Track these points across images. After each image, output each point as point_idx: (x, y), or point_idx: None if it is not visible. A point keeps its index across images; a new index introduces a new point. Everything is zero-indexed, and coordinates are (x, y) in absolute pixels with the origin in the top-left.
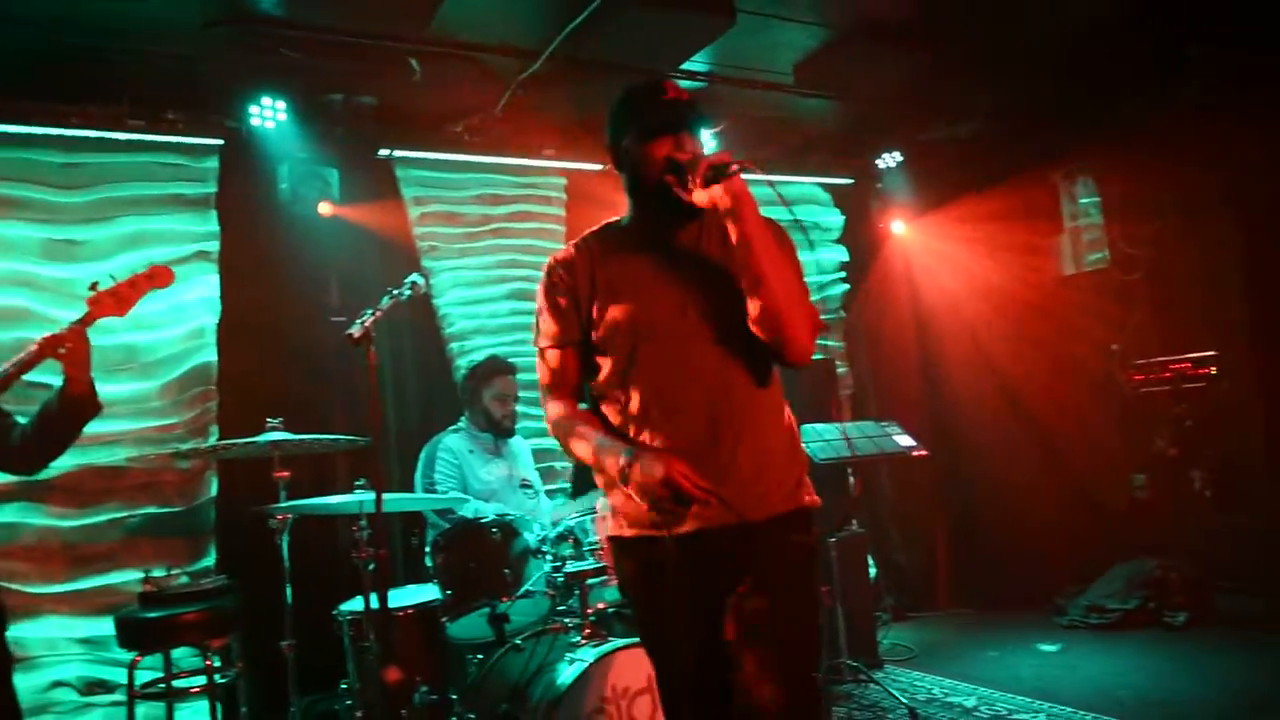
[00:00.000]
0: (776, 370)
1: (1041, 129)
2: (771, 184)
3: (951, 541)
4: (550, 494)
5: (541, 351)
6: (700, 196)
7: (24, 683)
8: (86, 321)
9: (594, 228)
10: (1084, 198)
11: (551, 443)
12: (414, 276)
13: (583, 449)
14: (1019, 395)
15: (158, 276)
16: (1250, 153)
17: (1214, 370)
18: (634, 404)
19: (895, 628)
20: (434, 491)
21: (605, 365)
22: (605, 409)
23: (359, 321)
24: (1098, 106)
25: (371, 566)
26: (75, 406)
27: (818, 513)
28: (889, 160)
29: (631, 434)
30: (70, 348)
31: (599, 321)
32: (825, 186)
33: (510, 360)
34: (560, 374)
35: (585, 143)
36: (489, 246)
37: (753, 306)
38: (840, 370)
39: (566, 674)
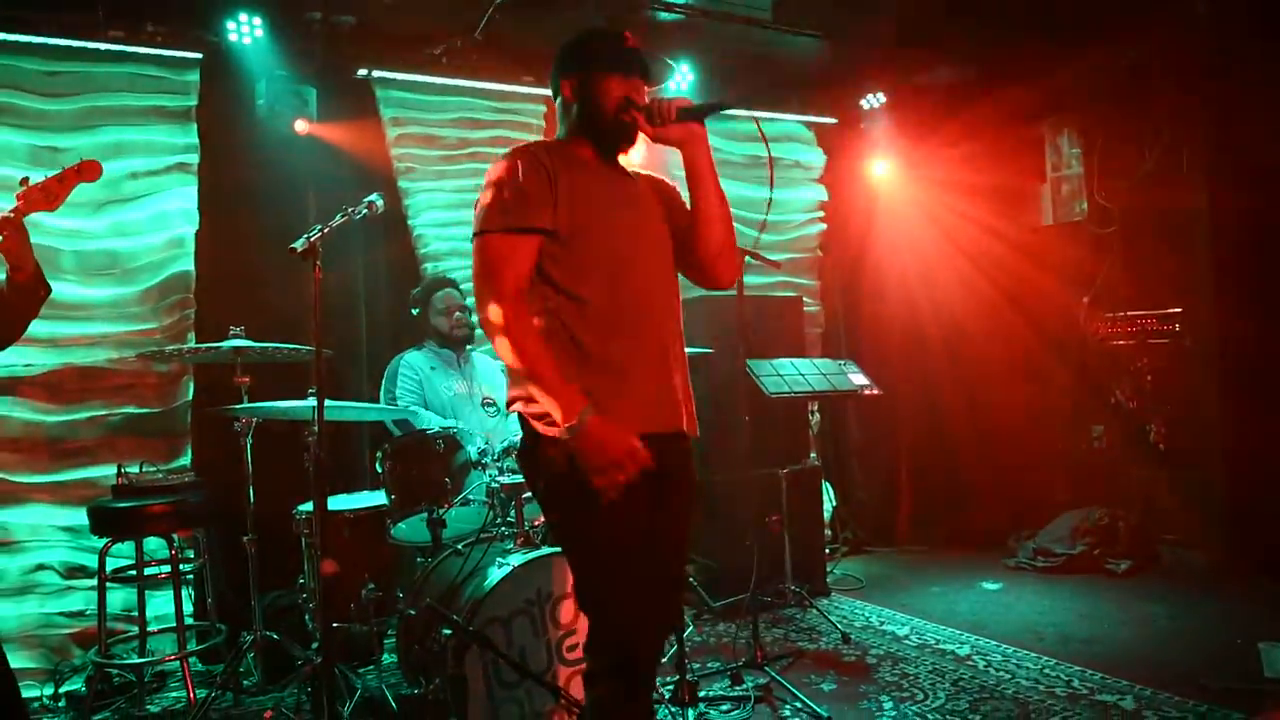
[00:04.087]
0: None
1: (1027, 77)
2: (755, 120)
3: (914, 481)
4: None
5: (504, 234)
6: (661, 134)
7: (11, 564)
8: (18, 214)
9: (539, 140)
10: (1067, 148)
11: None
12: (373, 196)
13: (529, 364)
14: (991, 342)
15: (86, 171)
16: (1224, 114)
17: (1177, 327)
18: (598, 320)
19: (850, 560)
20: (394, 405)
21: (567, 272)
22: (562, 318)
23: (305, 236)
24: (1089, 55)
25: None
26: (23, 292)
27: None
28: (873, 101)
29: (593, 351)
30: (5, 237)
31: (569, 225)
32: (808, 125)
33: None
34: (518, 266)
35: None
36: (466, 170)
37: (705, 237)
38: (812, 308)
39: (494, 576)
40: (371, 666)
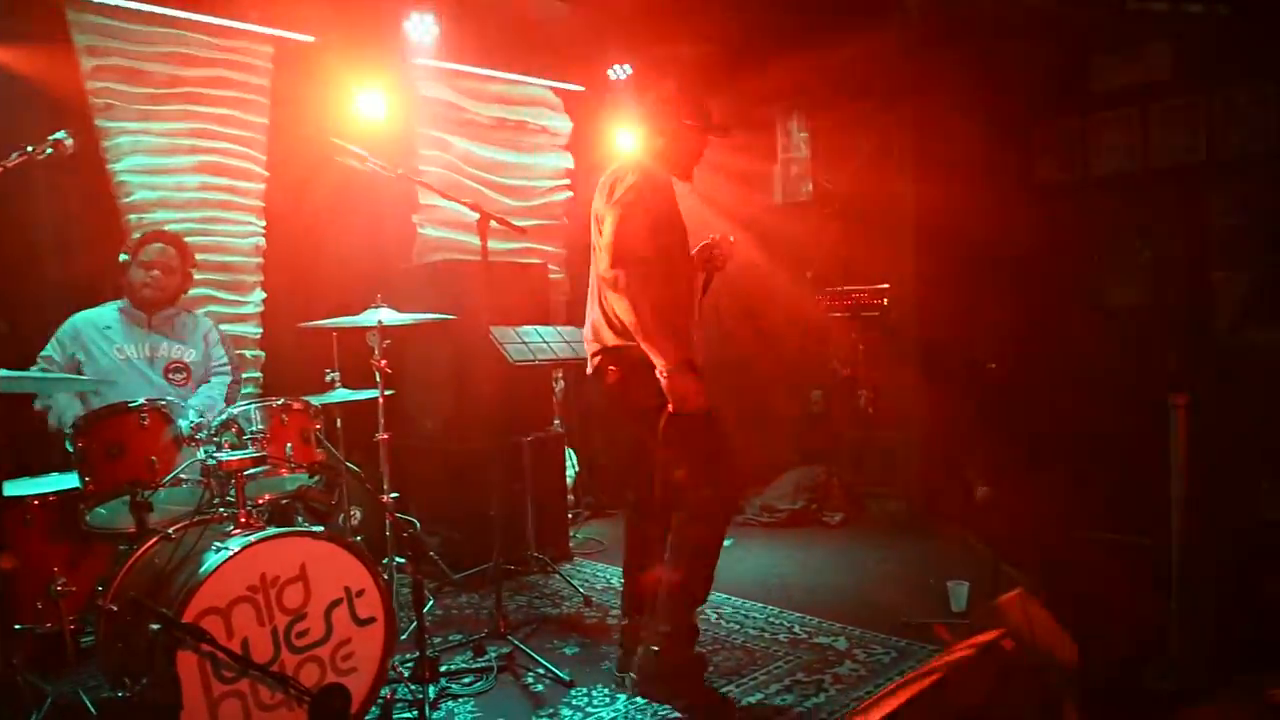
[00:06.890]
0: None
1: (761, 61)
2: None
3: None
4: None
5: None
6: None
7: None
8: None
9: None
10: (796, 132)
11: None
12: (59, 134)
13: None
14: (729, 313)
15: None
16: (927, 111)
17: (885, 301)
18: None
19: (593, 523)
20: (36, 365)
21: None
22: None
23: None
24: (817, 47)
25: None
26: None
27: None
28: (620, 72)
29: None
30: None
31: None
32: (555, 90)
33: (182, 235)
34: None
35: (298, 9)
36: (177, 112)
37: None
38: (557, 276)
39: (211, 561)
40: (64, 671)
